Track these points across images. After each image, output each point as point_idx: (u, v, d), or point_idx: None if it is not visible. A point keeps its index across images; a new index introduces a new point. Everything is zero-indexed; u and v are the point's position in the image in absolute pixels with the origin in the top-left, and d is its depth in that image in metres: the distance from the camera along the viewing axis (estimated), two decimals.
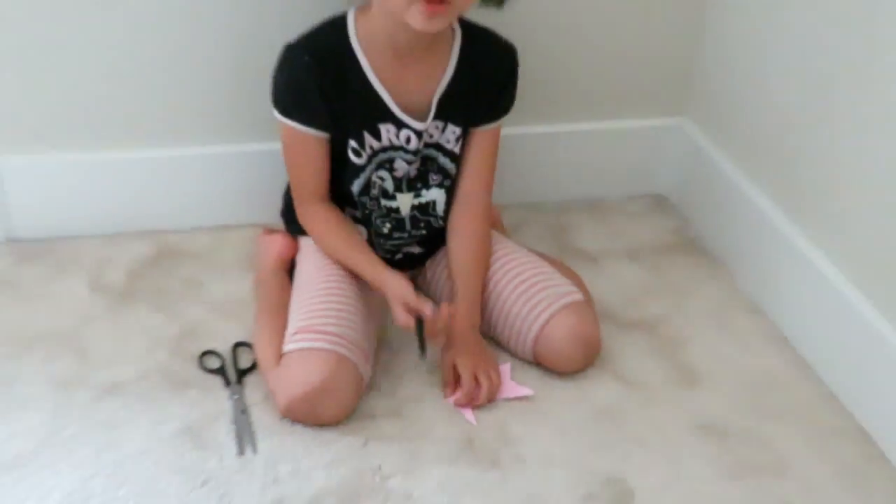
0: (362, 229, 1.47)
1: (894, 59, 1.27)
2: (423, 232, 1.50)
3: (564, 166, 1.78)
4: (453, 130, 1.43)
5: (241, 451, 1.27)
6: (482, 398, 1.35)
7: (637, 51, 1.71)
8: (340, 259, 1.42)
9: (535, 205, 1.77)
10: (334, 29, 1.37)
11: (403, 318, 1.31)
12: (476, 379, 1.35)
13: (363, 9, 1.36)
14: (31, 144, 1.58)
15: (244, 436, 1.29)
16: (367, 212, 1.46)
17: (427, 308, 1.31)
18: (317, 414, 1.30)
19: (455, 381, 1.37)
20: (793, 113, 1.49)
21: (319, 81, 1.35)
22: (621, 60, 1.72)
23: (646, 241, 1.73)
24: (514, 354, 1.44)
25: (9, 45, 1.50)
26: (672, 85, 1.76)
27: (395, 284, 1.34)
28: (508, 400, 1.38)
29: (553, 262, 1.52)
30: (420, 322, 1.32)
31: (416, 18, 1.25)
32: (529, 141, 1.68)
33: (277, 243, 1.54)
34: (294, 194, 1.46)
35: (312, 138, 1.39)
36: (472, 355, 1.38)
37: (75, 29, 1.50)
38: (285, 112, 1.38)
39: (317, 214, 1.44)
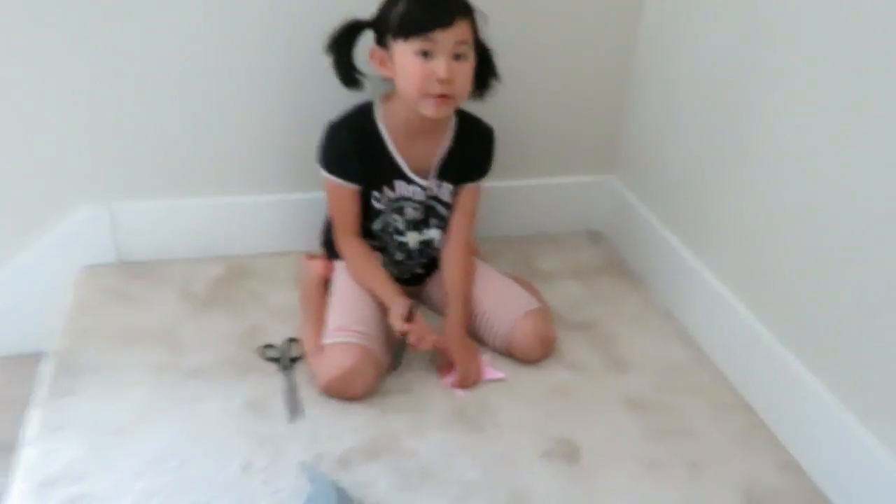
0: (380, 256, 1.45)
1: (773, 133, 1.26)
2: (424, 260, 1.48)
3: (527, 210, 1.76)
4: (448, 187, 1.41)
5: (291, 419, 1.24)
6: (469, 382, 1.32)
7: (577, 129, 1.70)
8: (361, 281, 1.38)
9: (505, 238, 1.74)
10: (364, 111, 1.36)
11: (398, 331, 1.30)
12: (465, 367, 1.32)
13: (385, 97, 1.36)
14: (138, 193, 1.55)
15: (294, 408, 1.26)
16: (384, 244, 1.44)
17: (406, 327, 1.29)
18: (347, 391, 1.26)
19: (448, 367, 1.34)
20: (693, 174, 1.48)
21: (354, 148, 1.34)
22: (566, 135, 1.70)
23: (586, 264, 1.70)
24: (491, 348, 1.41)
25: (120, 123, 1.47)
26: (604, 153, 1.75)
27: (395, 309, 1.31)
28: (488, 381, 1.35)
29: (518, 280, 1.50)
30: (403, 343, 1.30)
31: (428, 108, 1.26)
32: (502, 191, 1.66)
33: (318, 266, 1.51)
34: (335, 229, 1.43)
35: (348, 189, 1.37)
36: (463, 348, 1.35)
37: (166, 111, 1.48)
38: (329, 170, 1.36)
39: (350, 246, 1.41)
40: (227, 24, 1.43)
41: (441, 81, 1.24)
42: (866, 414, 1.10)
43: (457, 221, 1.45)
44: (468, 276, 1.43)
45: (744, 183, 1.33)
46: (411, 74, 1.25)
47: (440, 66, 1.23)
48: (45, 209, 1.52)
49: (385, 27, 1.27)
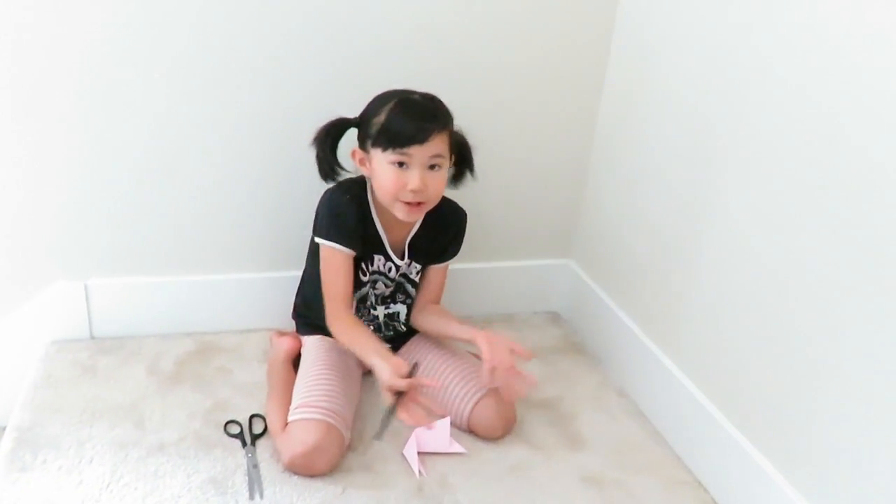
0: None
1: (719, 222, 1.28)
2: (391, 333, 1.47)
3: (489, 291, 1.76)
4: (416, 266, 1.42)
5: (251, 497, 1.19)
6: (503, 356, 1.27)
7: (537, 215, 1.72)
8: (354, 349, 1.29)
9: (467, 318, 1.70)
10: (360, 185, 1.37)
11: (389, 399, 1.19)
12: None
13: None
14: (111, 271, 1.52)
15: (255, 484, 1.21)
16: (360, 316, 1.43)
17: (410, 381, 1.17)
18: (311, 467, 1.22)
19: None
20: (645, 259, 1.49)
21: (354, 213, 1.32)
22: (527, 221, 1.72)
23: (545, 344, 1.69)
24: (453, 424, 1.36)
25: (98, 202, 1.46)
26: (562, 239, 1.77)
27: (386, 373, 1.18)
28: (447, 455, 1.31)
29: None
30: (392, 409, 1.18)
31: (400, 212, 1.29)
32: (465, 273, 1.66)
33: (286, 342, 1.48)
34: (326, 300, 1.35)
35: (344, 255, 1.34)
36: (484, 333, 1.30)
37: (143, 192, 1.48)
38: (327, 236, 1.33)
39: (345, 321, 1.33)
40: (203, 110, 1.44)
41: (414, 192, 1.25)
42: (811, 491, 1.09)
43: (425, 297, 1.45)
44: (446, 312, 1.43)
45: (691, 268, 1.34)
46: (386, 181, 1.26)
47: (414, 178, 1.24)
48: (23, 283, 1.49)
49: (365, 132, 1.28)
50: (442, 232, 1.41)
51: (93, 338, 1.55)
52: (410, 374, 1.20)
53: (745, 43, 1.19)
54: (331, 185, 1.35)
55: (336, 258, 1.34)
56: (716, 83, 1.26)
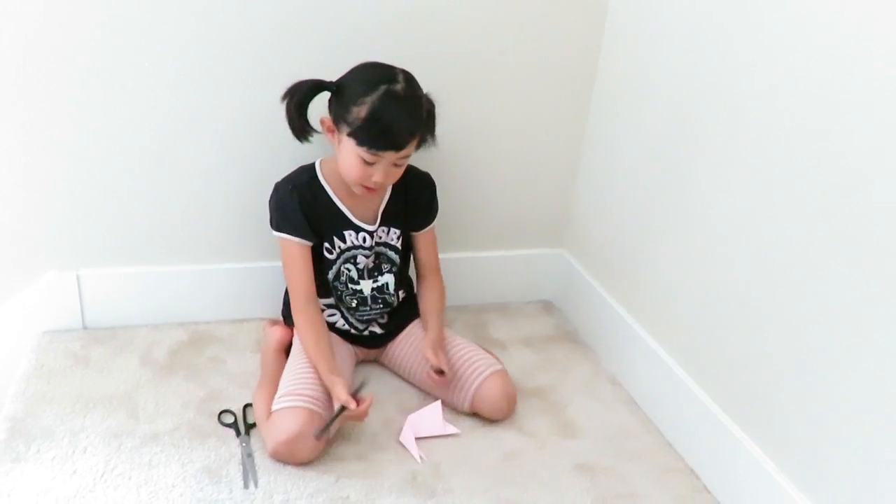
0: (335, 312, 1.44)
1: (701, 213, 1.29)
2: (381, 306, 1.46)
3: (482, 280, 1.76)
4: (395, 232, 1.43)
5: (245, 486, 1.19)
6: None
7: (530, 205, 1.72)
8: (309, 355, 1.33)
9: (461, 307, 1.74)
10: (307, 171, 1.39)
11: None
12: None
13: (325, 160, 1.39)
14: (102, 261, 1.52)
15: (249, 474, 1.21)
16: (339, 293, 1.43)
17: (351, 403, 1.22)
18: (294, 455, 1.23)
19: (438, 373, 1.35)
20: (637, 249, 1.50)
21: (299, 204, 1.34)
22: (520, 211, 1.72)
23: (538, 333, 1.70)
24: (455, 406, 1.38)
25: (90, 192, 1.46)
26: (555, 228, 1.77)
27: (337, 390, 1.24)
28: (441, 443, 1.31)
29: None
30: (340, 411, 1.22)
31: (357, 191, 1.33)
32: (459, 263, 1.67)
33: (278, 332, 1.48)
34: (290, 291, 1.40)
35: (299, 247, 1.36)
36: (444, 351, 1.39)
37: (135, 182, 1.47)
38: (278, 228, 1.36)
39: (305, 315, 1.37)
40: (194, 100, 1.43)
41: (375, 183, 1.28)
42: (801, 477, 1.10)
43: (424, 265, 1.48)
44: (442, 302, 1.48)
45: (683, 257, 1.35)
46: (351, 168, 1.28)
47: (378, 173, 1.27)
48: (15, 273, 1.48)
49: (341, 114, 1.26)
50: (414, 198, 1.43)
51: (85, 328, 1.54)
52: (357, 392, 1.25)
53: (733, 35, 1.19)
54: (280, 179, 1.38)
55: (292, 248, 1.36)
56: (704, 74, 1.25)
